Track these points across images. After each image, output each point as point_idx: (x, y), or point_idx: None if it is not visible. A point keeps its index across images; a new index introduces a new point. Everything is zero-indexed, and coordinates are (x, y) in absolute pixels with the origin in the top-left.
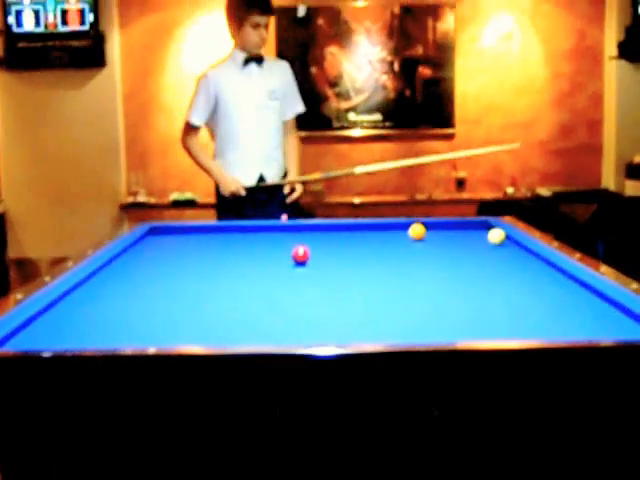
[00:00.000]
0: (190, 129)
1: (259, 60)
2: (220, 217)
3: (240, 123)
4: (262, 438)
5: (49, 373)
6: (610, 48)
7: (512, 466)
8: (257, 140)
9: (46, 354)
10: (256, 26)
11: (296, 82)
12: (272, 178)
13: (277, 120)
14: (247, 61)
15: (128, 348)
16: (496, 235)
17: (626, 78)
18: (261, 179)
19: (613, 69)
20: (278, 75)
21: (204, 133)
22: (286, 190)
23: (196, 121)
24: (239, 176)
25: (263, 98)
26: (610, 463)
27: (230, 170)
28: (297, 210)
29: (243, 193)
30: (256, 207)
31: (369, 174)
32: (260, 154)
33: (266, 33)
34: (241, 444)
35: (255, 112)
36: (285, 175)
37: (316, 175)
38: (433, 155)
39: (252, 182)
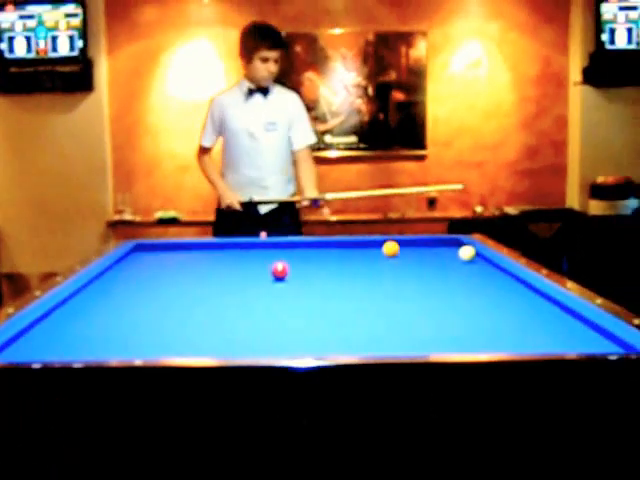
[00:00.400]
0: (201, 149)
1: (264, 91)
2: (215, 234)
3: (235, 149)
4: (242, 447)
5: (39, 384)
6: (574, 74)
7: (481, 473)
8: (248, 167)
9: (36, 366)
10: (265, 60)
11: (305, 113)
12: (266, 208)
13: (273, 151)
14: (251, 92)
15: (115, 360)
16: (467, 252)
17: (589, 102)
18: (249, 203)
19: (577, 94)
20: (283, 107)
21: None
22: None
23: (205, 142)
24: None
25: (259, 129)
26: (572, 471)
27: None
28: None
29: (238, 207)
30: (253, 226)
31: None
32: (250, 181)
33: (275, 67)
34: (222, 453)
35: (248, 141)
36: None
37: (297, 197)
38: (400, 188)
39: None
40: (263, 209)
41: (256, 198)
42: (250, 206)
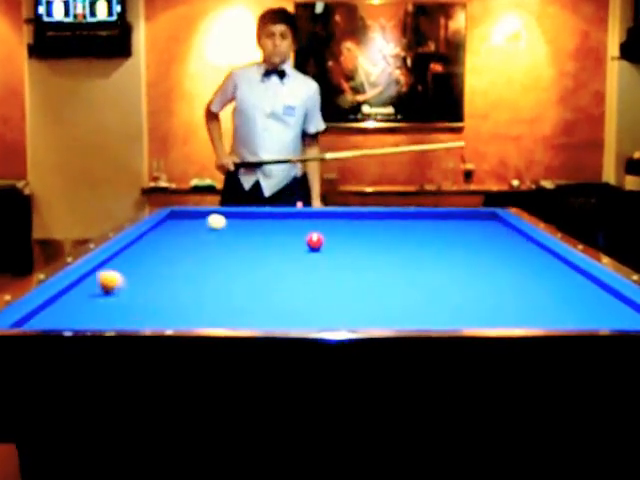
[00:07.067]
0: (209, 112)
1: (281, 74)
2: (223, 203)
3: (249, 126)
4: (272, 420)
5: (69, 353)
6: (612, 49)
7: (512, 446)
8: (261, 147)
9: (67, 334)
10: (271, 36)
11: (320, 103)
12: (270, 189)
13: (287, 136)
14: (268, 73)
15: (146, 329)
16: (217, 220)
17: (627, 78)
18: (257, 185)
19: (615, 69)
20: (300, 93)
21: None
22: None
23: (214, 108)
24: (242, 175)
25: (277, 110)
26: (602, 446)
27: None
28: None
29: (232, 168)
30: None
31: (339, 161)
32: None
33: (282, 42)
34: (252, 424)
35: (265, 120)
36: (296, 193)
37: (293, 157)
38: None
39: (248, 185)
40: (267, 191)
41: (265, 189)
42: (246, 164)
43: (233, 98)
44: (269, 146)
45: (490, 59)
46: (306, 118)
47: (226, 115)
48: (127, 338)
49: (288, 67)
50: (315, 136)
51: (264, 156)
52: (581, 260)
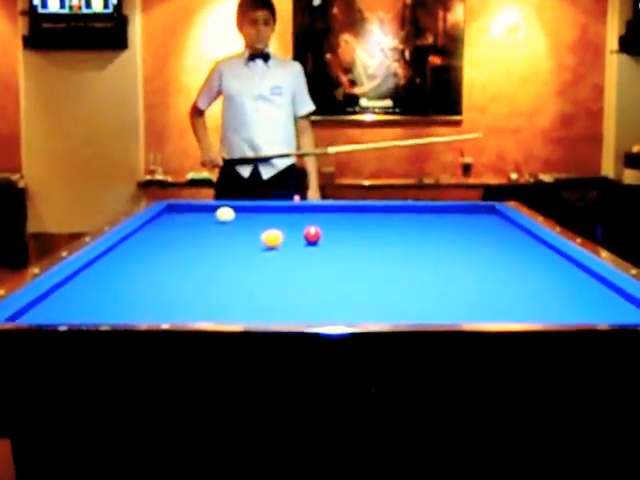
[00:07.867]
0: (195, 109)
1: (265, 57)
2: (217, 196)
3: (239, 111)
4: (269, 414)
5: (64, 347)
6: (612, 42)
7: (511, 441)
8: (253, 130)
9: (62, 328)
10: (253, 22)
11: (306, 83)
12: (268, 173)
13: (277, 116)
14: (252, 57)
15: (142, 324)
16: (226, 213)
17: (626, 71)
18: (256, 170)
19: (614, 62)
20: (285, 74)
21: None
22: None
23: (200, 105)
24: (238, 166)
25: (264, 91)
26: (601, 441)
27: (232, 155)
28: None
29: (220, 163)
30: (256, 190)
31: (337, 154)
32: (249, 146)
33: (265, 28)
34: (248, 420)
35: (254, 103)
36: (289, 177)
37: (292, 152)
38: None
39: (247, 174)
40: (265, 174)
41: (264, 175)
42: (238, 161)
43: (220, 92)
44: (260, 128)
45: (489, 52)
46: (295, 101)
47: (213, 114)
48: (122, 332)
49: (270, 50)
50: (306, 118)
51: (257, 139)
52: (579, 254)
